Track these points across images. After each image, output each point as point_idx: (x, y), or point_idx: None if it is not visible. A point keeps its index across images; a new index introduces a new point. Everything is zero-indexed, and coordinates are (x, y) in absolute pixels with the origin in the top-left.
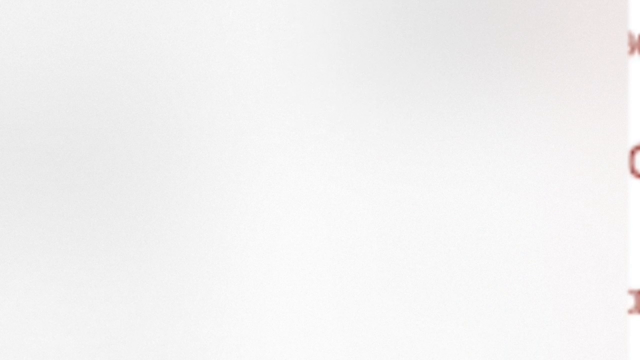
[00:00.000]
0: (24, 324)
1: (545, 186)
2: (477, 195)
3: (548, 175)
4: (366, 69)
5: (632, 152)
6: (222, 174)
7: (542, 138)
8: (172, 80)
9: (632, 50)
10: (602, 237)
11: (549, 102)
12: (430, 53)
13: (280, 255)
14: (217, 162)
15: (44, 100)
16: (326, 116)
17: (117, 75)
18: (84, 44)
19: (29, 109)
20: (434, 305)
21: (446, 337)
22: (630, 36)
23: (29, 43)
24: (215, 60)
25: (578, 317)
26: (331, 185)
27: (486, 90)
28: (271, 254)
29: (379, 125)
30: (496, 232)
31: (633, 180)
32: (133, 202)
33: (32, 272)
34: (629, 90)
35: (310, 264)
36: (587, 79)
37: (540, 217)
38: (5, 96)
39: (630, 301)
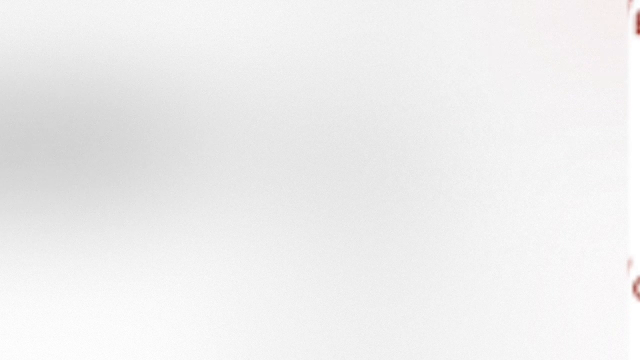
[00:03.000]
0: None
1: (544, 168)
2: (475, 179)
3: (547, 156)
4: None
5: None
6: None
7: (542, 124)
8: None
9: None
10: (603, 223)
11: (548, 84)
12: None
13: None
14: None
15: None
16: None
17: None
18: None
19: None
20: (436, 279)
21: (445, 321)
22: None
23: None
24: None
25: (577, 299)
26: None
27: (486, 76)
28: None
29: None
30: (491, 212)
31: None
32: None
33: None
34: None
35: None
36: (587, 61)
37: (540, 203)
38: None
39: None
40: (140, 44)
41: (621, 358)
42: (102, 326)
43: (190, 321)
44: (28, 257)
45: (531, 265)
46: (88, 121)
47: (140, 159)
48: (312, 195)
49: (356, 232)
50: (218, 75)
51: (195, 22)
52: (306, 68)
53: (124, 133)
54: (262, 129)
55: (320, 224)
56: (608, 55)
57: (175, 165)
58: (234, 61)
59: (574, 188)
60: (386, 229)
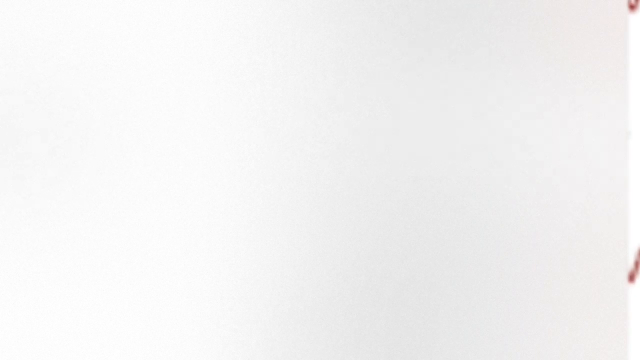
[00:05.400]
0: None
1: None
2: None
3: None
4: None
5: None
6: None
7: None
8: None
9: None
10: (605, 214)
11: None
12: None
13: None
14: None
15: None
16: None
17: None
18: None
19: None
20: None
21: (444, 320)
22: None
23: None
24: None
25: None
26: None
27: (488, 52)
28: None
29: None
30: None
31: None
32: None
33: None
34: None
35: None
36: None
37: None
38: None
39: None
40: (138, 43)
41: (623, 354)
42: (100, 326)
43: (190, 321)
44: (26, 256)
45: (531, 262)
46: (84, 119)
47: (140, 158)
48: (312, 194)
49: (357, 231)
50: (218, 75)
51: (194, 21)
52: (306, 67)
53: (123, 132)
54: (261, 128)
55: (320, 223)
56: (609, 50)
57: (175, 165)
58: (234, 60)
59: (574, 183)
60: (387, 229)
